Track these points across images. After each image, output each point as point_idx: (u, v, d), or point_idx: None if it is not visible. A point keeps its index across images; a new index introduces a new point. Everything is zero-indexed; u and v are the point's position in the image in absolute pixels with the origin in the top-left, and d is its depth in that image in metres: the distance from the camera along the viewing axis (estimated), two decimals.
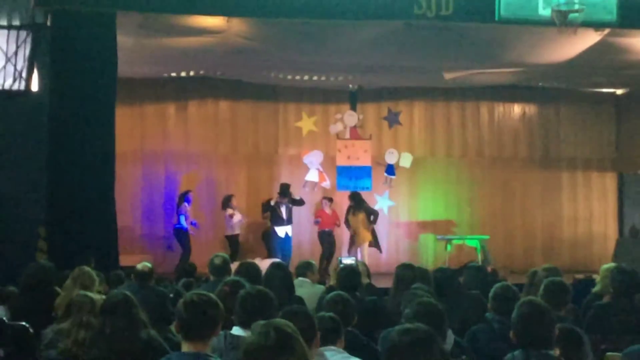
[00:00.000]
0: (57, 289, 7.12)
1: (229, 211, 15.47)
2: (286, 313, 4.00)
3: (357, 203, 15.53)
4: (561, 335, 4.43)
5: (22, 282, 7.49)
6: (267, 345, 2.94)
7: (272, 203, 15.50)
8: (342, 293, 5.68)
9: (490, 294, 5.84)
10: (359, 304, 6.75)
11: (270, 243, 15.50)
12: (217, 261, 7.57)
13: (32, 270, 7.46)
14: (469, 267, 8.21)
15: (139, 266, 8.18)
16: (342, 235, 16.15)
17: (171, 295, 7.81)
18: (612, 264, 4.97)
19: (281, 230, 15.37)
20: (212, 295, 4.13)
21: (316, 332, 3.99)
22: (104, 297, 5.97)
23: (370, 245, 15.51)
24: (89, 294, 5.91)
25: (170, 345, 5.18)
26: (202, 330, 3.96)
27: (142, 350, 4.96)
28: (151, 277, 8.09)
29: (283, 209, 15.42)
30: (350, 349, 4.54)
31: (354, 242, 15.60)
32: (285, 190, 15.56)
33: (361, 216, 15.42)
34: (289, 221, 15.52)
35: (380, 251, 15.81)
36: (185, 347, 3.96)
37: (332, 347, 4.44)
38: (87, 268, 7.04)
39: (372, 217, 15.55)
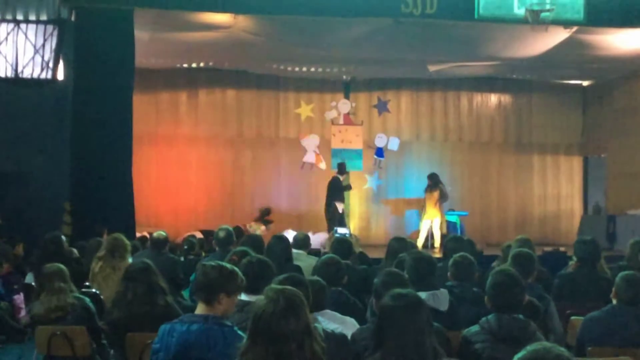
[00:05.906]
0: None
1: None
2: (283, 280, 3.96)
3: (434, 183, 15.04)
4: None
5: (36, 253, 7.48)
6: (276, 311, 2.93)
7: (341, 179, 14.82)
8: (333, 256, 5.64)
9: (450, 262, 5.76)
10: (351, 272, 6.73)
11: (329, 217, 14.74)
12: (222, 234, 7.52)
13: (45, 243, 7.45)
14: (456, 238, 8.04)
15: (155, 234, 8.08)
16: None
17: (182, 259, 7.72)
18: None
19: (340, 206, 14.79)
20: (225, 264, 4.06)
21: (309, 297, 3.96)
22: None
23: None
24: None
25: (181, 308, 5.14)
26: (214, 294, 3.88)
27: (159, 315, 4.84)
28: (165, 245, 8.00)
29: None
30: (337, 307, 4.49)
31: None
32: (342, 168, 15.12)
33: (435, 194, 14.98)
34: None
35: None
36: (200, 310, 3.91)
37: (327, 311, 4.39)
38: (121, 236, 6.89)
39: (442, 199, 14.92)
